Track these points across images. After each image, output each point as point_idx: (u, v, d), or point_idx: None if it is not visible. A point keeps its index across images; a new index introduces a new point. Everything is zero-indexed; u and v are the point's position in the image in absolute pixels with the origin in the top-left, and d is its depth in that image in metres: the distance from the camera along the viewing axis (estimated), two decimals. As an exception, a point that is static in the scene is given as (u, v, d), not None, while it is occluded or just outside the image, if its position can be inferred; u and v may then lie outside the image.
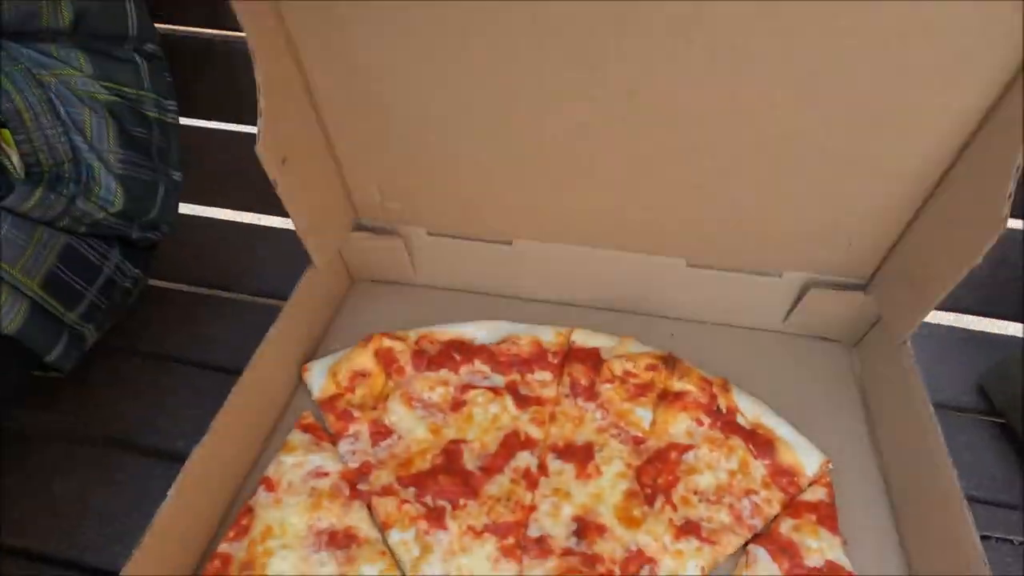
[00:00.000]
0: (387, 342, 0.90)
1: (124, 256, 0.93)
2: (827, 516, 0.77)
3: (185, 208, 1.12)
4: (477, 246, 1.01)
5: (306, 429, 0.85)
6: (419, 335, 0.94)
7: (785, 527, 0.76)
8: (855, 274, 0.96)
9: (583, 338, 0.95)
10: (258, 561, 0.70)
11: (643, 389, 0.88)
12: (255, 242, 1.23)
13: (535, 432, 0.85)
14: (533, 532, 0.75)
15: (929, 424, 0.78)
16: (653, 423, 0.86)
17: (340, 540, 0.73)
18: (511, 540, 0.74)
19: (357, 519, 0.75)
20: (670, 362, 0.88)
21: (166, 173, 0.95)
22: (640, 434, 0.85)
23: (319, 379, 0.89)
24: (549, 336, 0.95)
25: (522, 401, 0.88)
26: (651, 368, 0.88)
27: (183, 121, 0.99)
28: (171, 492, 0.67)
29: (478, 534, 0.74)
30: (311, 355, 0.95)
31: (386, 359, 0.90)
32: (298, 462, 0.80)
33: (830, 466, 0.82)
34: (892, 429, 0.86)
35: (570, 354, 0.93)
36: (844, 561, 0.73)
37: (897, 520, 0.79)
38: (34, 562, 0.79)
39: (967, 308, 1.10)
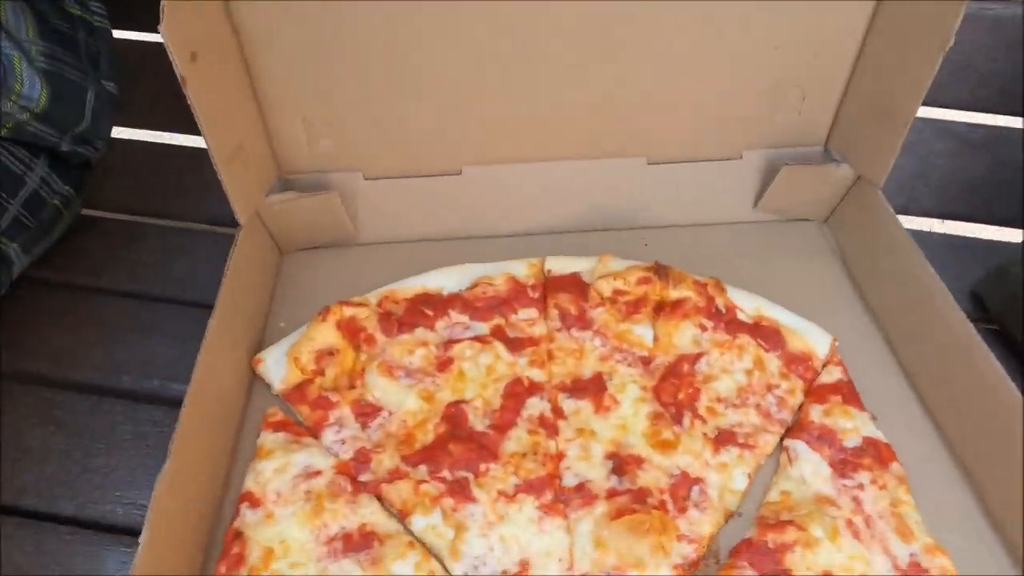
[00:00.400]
0: (347, 311, 0.78)
1: (53, 170, 0.86)
2: (850, 395, 0.75)
3: (124, 132, 1.06)
4: (423, 183, 0.90)
5: (277, 428, 0.72)
6: (380, 296, 0.82)
7: (815, 414, 0.73)
8: (813, 136, 0.93)
9: (559, 265, 0.86)
10: None
11: (636, 305, 0.82)
12: (198, 166, 1.05)
13: (537, 375, 0.77)
14: (569, 481, 0.68)
15: (922, 270, 0.77)
16: (656, 339, 0.80)
17: (358, 542, 0.63)
18: (549, 496, 0.67)
19: (369, 514, 0.65)
20: (661, 271, 0.81)
21: (97, 80, 0.85)
22: (646, 353, 0.79)
23: (277, 369, 0.76)
24: (522, 270, 0.86)
25: (514, 345, 0.79)
26: (643, 282, 0.81)
27: (124, 36, 0.94)
28: (142, 538, 0.55)
29: (511, 498, 0.66)
30: (258, 344, 0.82)
31: (351, 330, 0.78)
32: (280, 466, 0.68)
33: (837, 344, 0.80)
34: (884, 290, 0.85)
35: (550, 285, 0.85)
36: (879, 435, 0.72)
37: (917, 389, 0.78)
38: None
39: (959, 215, 1.10)
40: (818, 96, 0.89)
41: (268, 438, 0.71)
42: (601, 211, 0.95)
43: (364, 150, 0.88)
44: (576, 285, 0.84)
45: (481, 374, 0.76)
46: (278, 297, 0.88)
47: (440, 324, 0.81)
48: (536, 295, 0.83)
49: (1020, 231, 1.05)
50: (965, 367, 0.70)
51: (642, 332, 0.81)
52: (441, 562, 0.64)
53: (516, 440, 0.71)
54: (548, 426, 0.72)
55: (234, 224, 0.82)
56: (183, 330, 0.84)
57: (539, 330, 0.81)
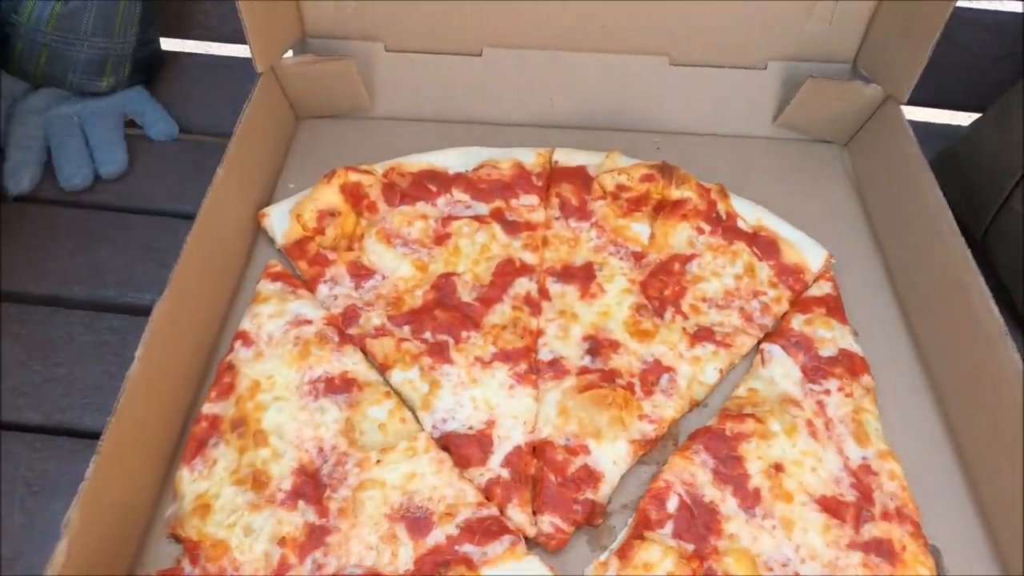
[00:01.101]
0: (353, 176, 0.80)
1: None
2: (835, 308, 0.76)
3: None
4: (443, 61, 0.89)
5: (276, 278, 0.76)
6: (386, 168, 0.84)
7: (796, 322, 0.75)
8: (842, 53, 0.90)
9: (566, 156, 0.87)
10: (251, 417, 0.65)
11: (638, 203, 0.82)
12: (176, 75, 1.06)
13: (530, 258, 0.79)
14: (545, 356, 0.71)
15: (934, 198, 0.75)
16: (652, 236, 0.81)
17: (339, 386, 0.67)
18: (523, 366, 0.70)
19: (352, 364, 0.69)
20: (666, 170, 0.81)
21: None
22: (640, 249, 0.80)
23: (281, 224, 0.79)
24: (530, 158, 0.86)
25: (511, 228, 0.81)
26: (646, 179, 0.81)
27: None
28: (139, 353, 0.59)
29: (487, 364, 0.70)
30: (265, 201, 0.84)
31: (354, 195, 0.80)
32: (275, 312, 0.72)
33: (833, 260, 0.80)
34: (892, 216, 0.84)
35: (555, 175, 0.85)
36: (856, 348, 0.73)
37: (905, 310, 0.78)
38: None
39: (910, 99, 1.05)
40: (850, 8, 0.85)
41: (266, 286, 0.75)
42: (618, 109, 0.93)
43: (387, 20, 0.87)
44: (580, 177, 0.84)
45: (475, 251, 0.78)
46: (290, 160, 0.91)
47: (442, 200, 0.82)
48: (540, 183, 0.84)
49: (968, 115, 1.02)
50: (955, 297, 0.70)
51: (639, 229, 0.82)
52: (414, 412, 0.68)
53: (500, 314, 0.73)
54: (532, 305, 0.75)
55: (197, 132, 0.82)
56: (137, 240, 0.84)
57: (537, 217, 0.82)
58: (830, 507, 0.62)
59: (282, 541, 0.58)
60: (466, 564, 0.57)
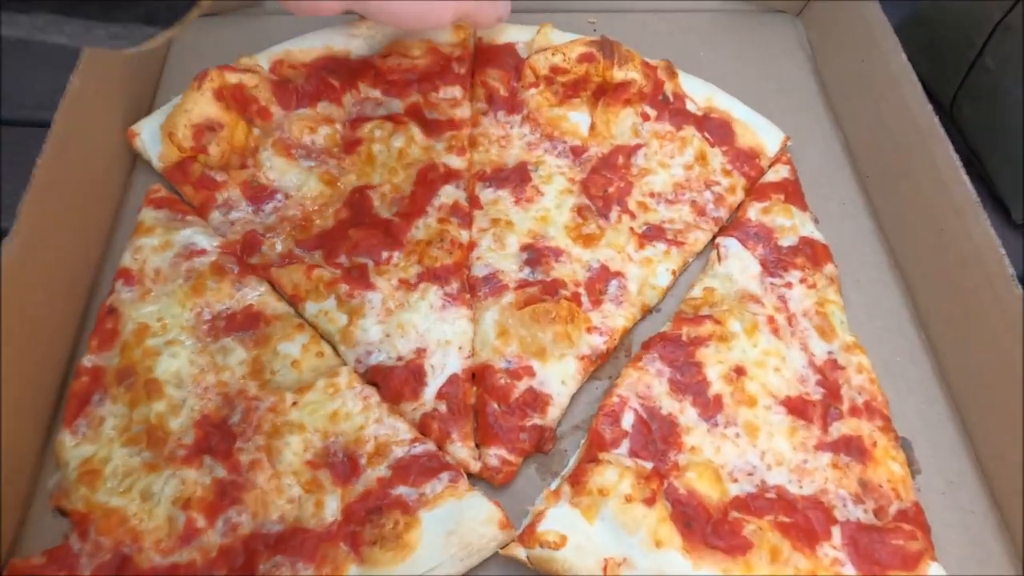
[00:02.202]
0: (231, 77, 0.66)
1: None
2: (794, 193, 0.70)
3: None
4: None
5: (159, 205, 0.65)
6: (272, 60, 0.70)
7: (753, 212, 0.68)
8: None
9: (491, 33, 0.75)
10: (140, 365, 0.56)
11: (575, 88, 0.72)
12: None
13: (455, 162, 0.69)
14: (479, 271, 0.63)
15: (896, 58, 0.68)
16: (592, 127, 0.72)
17: (242, 322, 0.58)
18: (455, 285, 0.62)
19: (256, 296, 0.60)
20: (607, 47, 0.71)
21: None
22: (579, 143, 0.71)
23: (154, 144, 0.67)
24: (446, 37, 0.73)
25: (431, 127, 0.70)
26: (584, 58, 0.71)
27: None
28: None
29: (413, 286, 0.61)
30: (141, 116, 0.71)
31: (238, 101, 0.67)
32: (161, 244, 0.62)
33: (790, 143, 0.73)
34: (850, 88, 0.76)
35: (479, 57, 0.74)
36: (818, 236, 0.67)
37: (866, 189, 0.72)
38: None
39: None
40: None
41: (148, 215, 0.64)
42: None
43: None
44: (509, 58, 0.73)
45: (392, 158, 0.68)
46: (172, 66, 0.77)
47: (347, 99, 0.71)
48: (462, 71, 0.73)
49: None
50: (922, 169, 0.64)
51: (577, 119, 0.72)
52: (334, 347, 0.60)
53: (424, 228, 0.64)
54: (461, 215, 0.66)
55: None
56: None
57: (462, 113, 0.72)
58: (796, 408, 0.57)
59: (187, 503, 0.51)
60: (401, 508, 0.51)
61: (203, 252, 0.61)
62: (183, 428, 0.54)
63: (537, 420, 0.57)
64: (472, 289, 0.62)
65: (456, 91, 0.72)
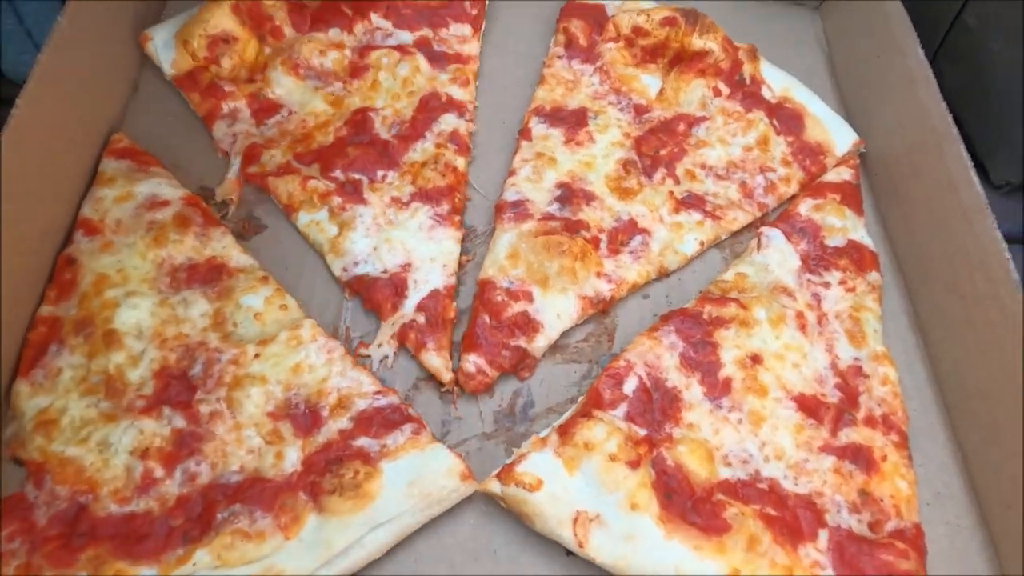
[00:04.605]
0: (248, -8, 0.66)
1: None
2: (852, 197, 0.66)
3: None
4: None
5: (121, 155, 0.63)
6: None
7: (805, 207, 0.65)
8: None
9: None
10: (99, 316, 0.54)
11: (653, 54, 0.71)
12: None
13: (459, 93, 0.68)
14: (510, 196, 0.62)
15: (913, 52, 0.65)
16: (661, 91, 0.70)
17: (204, 274, 0.57)
18: (445, 207, 0.61)
19: (220, 248, 0.59)
20: (691, 16, 0.69)
21: None
22: (644, 102, 0.69)
23: (167, 51, 0.66)
24: None
25: (437, 60, 0.69)
26: (667, 22, 0.69)
27: None
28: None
29: (404, 204, 0.61)
30: (149, 22, 0.70)
31: (254, 18, 0.67)
32: (122, 195, 0.60)
33: (863, 148, 0.69)
34: (863, 79, 0.72)
35: (567, 8, 0.73)
36: (868, 242, 0.63)
37: (873, 189, 0.69)
38: None
39: None
40: None
41: (110, 165, 0.62)
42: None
43: None
44: (595, 14, 0.72)
45: (396, 85, 0.67)
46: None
47: (359, 28, 0.70)
48: (474, 12, 0.72)
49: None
50: (932, 169, 0.61)
51: (648, 81, 0.71)
52: (322, 257, 0.60)
53: (421, 151, 0.64)
54: (459, 143, 0.65)
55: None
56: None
57: (470, 49, 0.71)
58: (808, 406, 0.54)
59: (145, 453, 0.49)
60: (362, 459, 0.49)
61: (166, 203, 0.60)
62: (142, 379, 0.52)
63: (523, 343, 0.55)
64: (499, 211, 0.62)
65: (466, 29, 0.72)
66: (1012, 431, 0.50)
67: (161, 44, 0.67)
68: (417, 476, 0.49)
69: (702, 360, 0.56)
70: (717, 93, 0.69)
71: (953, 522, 0.53)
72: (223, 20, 0.66)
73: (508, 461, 0.51)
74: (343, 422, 0.51)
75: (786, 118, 0.68)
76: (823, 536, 0.49)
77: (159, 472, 0.49)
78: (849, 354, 0.57)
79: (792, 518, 0.49)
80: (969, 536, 0.52)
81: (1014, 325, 0.51)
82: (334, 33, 0.69)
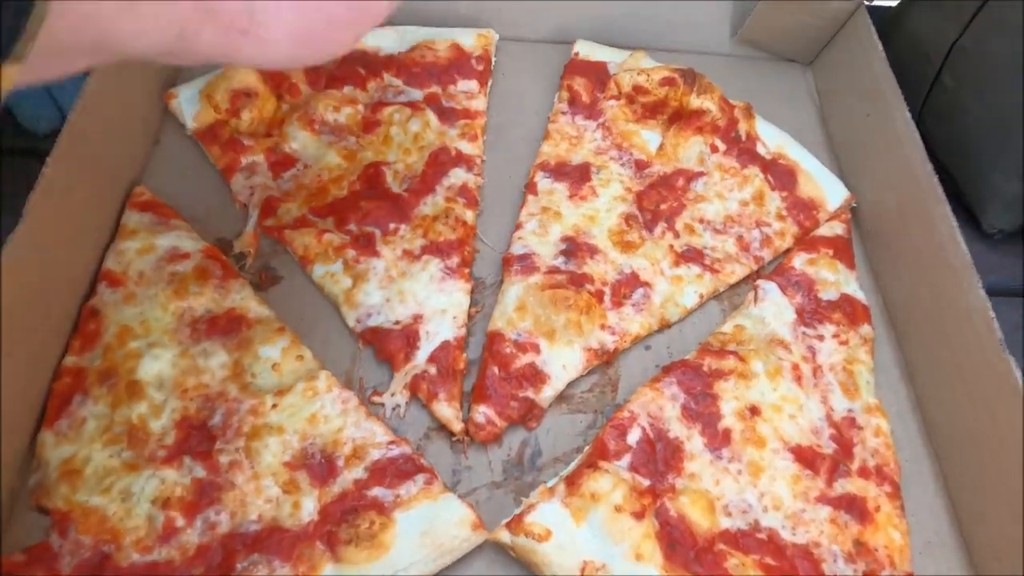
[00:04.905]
0: (270, 56, 0.70)
1: None
2: (844, 251, 0.69)
3: None
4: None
5: (144, 208, 0.65)
6: None
7: (799, 261, 0.67)
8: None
9: (588, 50, 0.78)
10: (122, 367, 0.56)
11: (653, 110, 0.74)
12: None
13: (468, 148, 0.71)
14: (517, 250, 0.65)
15: (900, 114, 0.68)
16: (661, 147, 0.73)
17: (224, 325, 0.58)
18: (455, 260, 0.63)
19: (239, 299, 0.60)
20: (689, 76, 0.72)
21: None
22: (644, 157, 0.72)
23: (190, 106, 0.69)
24: (469, 40, 0.77)
25: (446, 115, 0.72)
26: (666, 82, 0.72)
27: None
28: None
29: (416, 257, 0.63)
30: (171, 81, 0.73)
31: (274, 76, 0.70)
32: (144, 247, 0.61)
33: (854, 203, 0.72)
34: (858, 145, 0.75)
35: (571, 66, 0.77)
36: (860, 296, 0.66)
37: (864, 244, 0.72)
38: None
39: None
40: None
41: (132, 218, 0.64)
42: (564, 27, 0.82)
43: None
44: (597, 73, 0.76)
45: (407, 140, 0.70)
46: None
47: (372, 85, 0.74)
48: (480, 68, 0.76)
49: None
50: (921, 228, 0.63)
51: (648, 137, 0.73)
52: (337, 309, 0.62)
53: (432, 205, 0.66)
54: (468, 197, 0.67)
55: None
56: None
57: (477, 104, 0.74)
58: (804, 457, 0.56)
59: (166, 503, 0.50)
60: (377, 509, 0.51)
61: (186, 255, 0.61)
62: (164, 429, 0.54)
63: (531, 394, 0.57)
64: (506, 264, 0.64)
65: (473, 85, 0.75)
66: (999, 481, 0.52)
67: (185, 100, 0.70)
68: (430, 526, 0.51)
69: (703, 411, 0.58)
70: (714, 149, 0.72)
71: (944, 571, 0.54)
72: (246, 76, 0.69)
73: (517, 510, 0.52)
74: (358, 472, 0.53)
75: (780, 174, 0.71)
76: (821, 586, 0.50)
77: (180, 521, 0.50)
78: (843, 406, 0.59)
79: (791, 568, 0.51)
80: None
81: (999, 380, 0.53)
82: (348, 90, 0.72)
